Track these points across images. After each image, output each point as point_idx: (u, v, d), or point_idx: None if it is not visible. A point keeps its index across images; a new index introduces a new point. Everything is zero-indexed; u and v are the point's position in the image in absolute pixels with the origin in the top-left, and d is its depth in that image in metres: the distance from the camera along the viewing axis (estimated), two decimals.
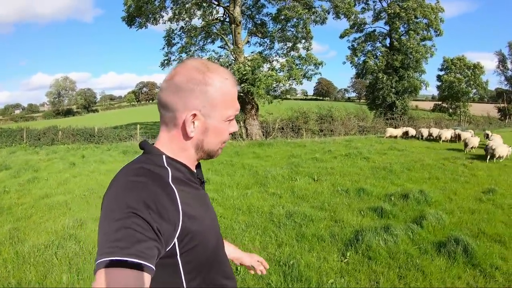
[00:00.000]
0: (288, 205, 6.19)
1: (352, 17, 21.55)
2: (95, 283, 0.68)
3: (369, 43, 30.50)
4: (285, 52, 21.68)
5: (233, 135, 18.68)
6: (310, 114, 21.39)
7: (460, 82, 36.52)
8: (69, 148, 16.25)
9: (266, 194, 7.00)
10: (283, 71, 19.48)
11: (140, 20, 20.46)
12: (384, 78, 27.45)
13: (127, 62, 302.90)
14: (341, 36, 30.02)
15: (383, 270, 3.78)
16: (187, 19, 20.75)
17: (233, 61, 19.62)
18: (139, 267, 0.70)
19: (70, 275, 3.56)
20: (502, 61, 45.61)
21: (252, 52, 22.18)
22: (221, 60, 19.45)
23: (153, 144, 0.97)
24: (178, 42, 21.89)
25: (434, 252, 4.19)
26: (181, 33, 21.69)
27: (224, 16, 21.16)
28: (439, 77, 39.05)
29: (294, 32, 21.07)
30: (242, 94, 18.31)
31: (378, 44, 30.35)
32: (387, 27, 29.23)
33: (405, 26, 27.80)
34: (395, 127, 23.58)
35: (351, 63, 30.04)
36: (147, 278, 0.71)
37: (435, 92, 42.16)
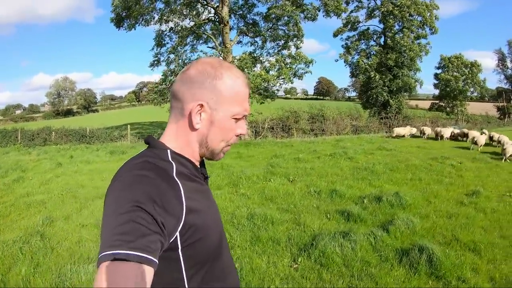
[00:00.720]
0: (254, 206, 5.87)
1: (343, 15, 21.17)
2: (98, 275, 0.66)
3: (363, 41, 30.03)
4: (276, 51, 21.54)
5: None
6: (301, 113, 20.98)
7: (457, 81, 36.04)
8: (60, 149, 16.28)
9: (236, 195, 6.77)
10: (272, 70, 19.12)
11: (128, 22, 20.28)
12: (377, 77, 26.90)
13: (128, 62, 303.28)
14: (335, 35, 29.62)
15: (333, 278, 3.45)
16: (176, 20, 20.64)
17: None
18: (143, 261, 0.68)
19: (27, 268, 3.73)
20: (502, 59, 45.11)
21: (244, 52, 21.95)
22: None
23: (159, 138, 0.96)
24: (168, 43, 21.77)
25: (395, 261, 3.80)
26: (171, 34, 21.57)
27: (215, 16, 20.93)
28: (436, 76, 38.54)
29: (286, 30, 20.93)
30: None
31: (372, 43, 29.95)
32: (382, 25, 28.78)
33: (400, 24, 27.29)
34: (390, 126, 23.23)
35: (345, 61, 29.51)
36: (150, 271, 0.70)
37: (437, 91, 41.42)
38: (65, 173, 9.53)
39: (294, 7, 18.43)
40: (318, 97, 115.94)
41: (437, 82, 38.57)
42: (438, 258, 3.66)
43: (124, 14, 19.66)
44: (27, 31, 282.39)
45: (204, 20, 21.39)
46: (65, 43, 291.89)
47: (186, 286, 0.87)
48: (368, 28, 29.91)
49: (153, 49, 21.88)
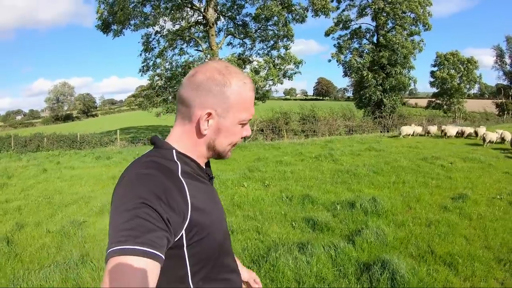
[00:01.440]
0: None
1: (333, 14, 20.78)
2: (106, 270, 0.67)
3: (355, 40, 29.43)
4: (266, 52, 21.22)
5: None
6: (291, 114, 20.45)
7: (453, 78, 35.47)
8: (49, 155, 16.18)
9: None
10: (261, 71, 18.69)
11: (115, 27, 20.00)
12: (370, 76, 26.28)
13: (128, 66, 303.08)
14: (326, 34, 29.02)
15: None
16: (163, 24, 20.53)
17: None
18: (150, 256, 0.69)
19: None
20: (500, 56, 44.51)
21: (231, 54, 21.63)
22: (194, 63, 18.71)
23: (165, 139, 0.97)
24: (155, 47, 21.38)
25: (354, 278, 3.32)
26: (159, 38, 21.28)
27: (203, 19, 20.47)
28: (432, 73, 37.96)
29: (275, 30, 20.59)
30: None
31: (365, 41, 29.33)
32: (374, 23, 28.21)
33: (393, 21, 26.71)
34: (384, 126, 22.72)
35: (337, 61, 28.90)
36: (157, 267, 0.71)
37: (434, 90, 40.85)
38: (47, 180, 9.38)
39: (280, 7, 17.98)
40: (318, 97, 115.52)
41: (433, 80, 37.93)
42: (402, 276, 3.15)
43: (110, 20, 19.42)
44: (27, 36, 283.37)
45: (191, 23, 21.14)
46: (65, 48, 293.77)
47: (190, 283, 0.87)
48: (360, 27, 29.31)
49: (141, 54, 21.62)
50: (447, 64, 36.26)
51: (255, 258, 3.75)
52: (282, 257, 3.55)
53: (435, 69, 37.92)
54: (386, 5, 26.06)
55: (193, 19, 21.03)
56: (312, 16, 19.70)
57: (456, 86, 35.69)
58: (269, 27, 20.84)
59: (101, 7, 18.75)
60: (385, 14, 26.55)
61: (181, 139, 0.95)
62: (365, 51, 27.93)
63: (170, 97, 19.75)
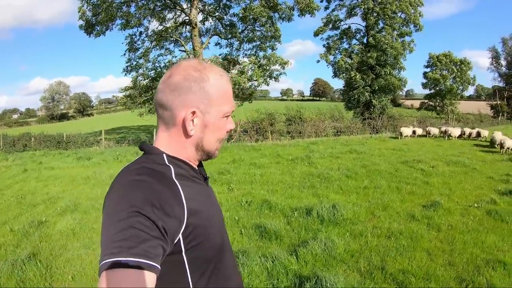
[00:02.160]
0: None
1: (323, 13, 20.37)
2: (100, 283, 0.66)
3: (345, 40, 28.85)
4: (253, 52, 20.86)
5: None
6: (277, 115, 19.92)
7: (445, 79, 35.05)
8: (34, 155, 16.00)
9: None
10: (243, 72, 18.26)
11: (98, 28, 19.59)
12: (357, 77, 25.70)
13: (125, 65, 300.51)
14: (315, 34, 28.50)
15: None
16: (146, 24, 20.25)
17: None
18: (145, 267, 0.67)
19: None
20: (496, 57, 44.13)
21: (216, 55, 21.36)
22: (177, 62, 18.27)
23: (152, 144, 0.95)
24: (140, 47, 20.99)
25: None
26: (143, 38, 20.94)
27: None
28: (425, 74, 37.54)
29: (263, 31, 20.29)
30: None
31: (355, 42, 28.72)
32: (364, 24, 27.66)
33: (384, 21, 26.21)
34: (373, 127, 22.25)
35: (326, 61, 28.35)
36: (152, 277, 0.69)
37: (426, 91, 40.48)
38: (25, 180, 9.26)
39: (262, 7, 17.61)
40: (314, 98, 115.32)
41: (426, 81, 37.51)
42: None
43: (94, 20, 19.03)
44: (24, 35, 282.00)
45: (177, 23, 20.79)
46: (62, 47, 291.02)
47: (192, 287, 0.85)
48: (349, 27, 28.69)
49: (124, 54, 21.17)
50: (439, 65, 35.84)
51: None
52: None
53: (427, 70, 37.54)
54: (376, 5, 25.55)
55: (181, 19, 20.66)
56: (298, 15, 19.40)
57: (449, 87, 35.26)
58: (256, 28, 20.57)
59: (84, 6, 18.34)
60: (375, 14, 26.02)
61: (169, 144, 0.91)
62: (354, 52, 27.35)
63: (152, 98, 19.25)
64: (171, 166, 0.87)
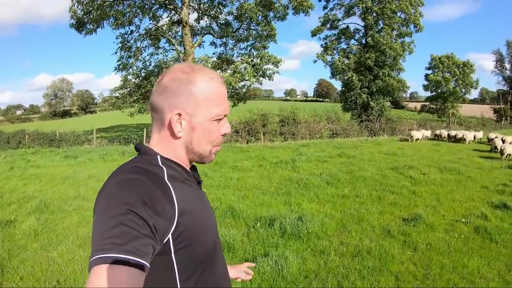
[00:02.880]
0: None
1: (317, 12, 19.93)
2: (89, 279, 0.66)
3: (343, 40, 28.08)
4: (247, 52, 20.43)
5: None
6: (270, 116, 19.31)
7: (448, 82, 34.29)
8: (25, 152, 15.78)
9: None
10: (236, 72, 17.82)
11: (89, 26, 19.33)
12: (354, 78, 24.96)
13: None
14: (313, 34, 27.78)
15: None
16: (138, 23, 19.84)
17: (178, 63, 18.11)
18: (134, 265, 0.67)
19: None
20: (500, 60, 43.15)
21: (214, 54, 21.43)
22: (168, 62, 17.96)
23: (146, 145, 0.96)
24: (132, 46, 20.58)
25: None
26: (134, 37, 20.54)
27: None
28: (426, 77, 36.77)
29: (259, 30, 19.89)
30: None
31: (353, 42, 27.92)
32: (363, 23, 26.78)
33: (383, 21, 25.47)
34: (371, 130, 21.65)
35: (323, 62, 27.51)
36: (142, 275, 0.69)
37: (428, 93, 39.69)
38: (8, 178, 9.08)
39: (255, 6, 17.26)
40: (318, 99, 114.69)
41: (427, 83, 36.74)
42: None
43: (86, 19, 18.81)
44: (30, 31, 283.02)
45: (168, 22, 20.53)
46: (67, 44, 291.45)
47: None
48: (347, 27, 27.89)
49: (116, 52, 20.74)
50: (441, 67, 35.06)
51: None
52: None
53: (429, 72, 36.75)
54: (375, 5, 24.80)
55: (176, 18, 20.31)
56: (293, 14, 18.92)
57: (451, 89, 34.50)
58: (252, 27, 20.17)
59: (74, 6, 18.17)
60: (374, 14, 25.27)
61: (160, 145, 0.92)
62: (352, 52, 26.63)
63: (142, 97, 18.92)
64: (164, 168, 0.87)
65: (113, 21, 18.86)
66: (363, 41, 26.68)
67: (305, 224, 4.41)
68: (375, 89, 24.73)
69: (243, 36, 20.36)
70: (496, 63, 43.22)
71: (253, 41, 20.18)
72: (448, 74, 35.15)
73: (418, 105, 63.38)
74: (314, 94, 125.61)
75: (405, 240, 4.32)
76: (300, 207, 5.55)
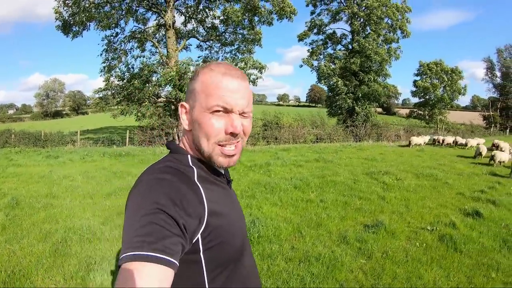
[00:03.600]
0: None
1: (307, 18, 19.92)
2: (119, 276, 0.67)
3: (330, 45, 28.00)
4: (232, 56, 20.44)
5: (164, 140, 17.22)
6: (253, 120, 19.05)
7: (435, 88, 34.40)
8: (10, 152, 15.54)
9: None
10: None
11: (75, 28, 19.34)
12: (339, 83, 24.81)
13: None
14: (299, 39, 27.70)
15: None
16: (123, 25, 19.86)
17: (163, 66, 18.15)
18: (164, 263, 0.68)
19: None
20: (490, 68, 43.53)
21: (199, 57, 21.12)
22: (150, 64, 17.83)
23: (178, 144, 0.98)
24: (117, 48, 20.46)
25: None
26: (119, 39, 20.48)
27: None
28: (415, 83, 36.86)
29: (245, 34, 19.90)
30: (173, 100, 17.06)
31: (340, 47, 27.87)
32: (350, 29, 26.74)
33: (370, 27, 25.40)
34: (356, 135, 21.49)
35: (310, 67, 27.40)
36: (171, 273, 0.70)
37: (416, 99, 39.86)
38: None
39: (238, 9, 17.26)
40: (311, 104, 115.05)
41: (415, 89, 36.82)
42: None
43: (72, 21, 18.69)
44: (26, 30, 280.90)
45: (155, 25, 20.55)
46: (62, 44, 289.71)
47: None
48: (334, 32, 27.91)
49: (101, 54, 20.53)
50: (429, 74, 35.17)
51: None
52: None
53: (417, 78, 36.88)
54: (361, 10, 24.78)
55: (163, 21, 20.21)
56: (277, 19, 18.84)
57: (439, 96, 34.60)
58: (238, 30, 20.16)
59: (60, 7, 18.10)
60: (360, 20, 25.23)
61: (183, 140, 0.96)
62: (337, 57, 26.50)
63: (126, 99, 18.66)
64: (194, 168, 0.87)
65: (97, 23, 18.76)
66: (350, 47, 26.56)
67: (257, 228, 4.19)
68: (360, 94, 24.53)
69: (228, 40, 20.33)
70: (487, 70, 43.61)
71: (238, 45, 20.20)
72: (437, 81, 35.27)
73: (408, 111, 63.82)
74: (306, 99, 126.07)
75: (361, 247, 4.04)
76: (260, 210, 5.31)
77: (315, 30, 27.51)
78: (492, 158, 11.31)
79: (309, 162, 10.43)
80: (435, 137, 19.28)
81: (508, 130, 39.40)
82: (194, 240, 0.79)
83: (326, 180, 7.52)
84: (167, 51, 18.31)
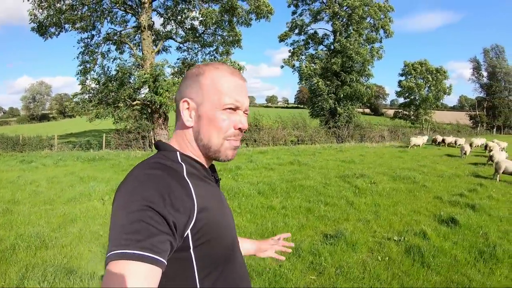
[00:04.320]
0: None
1: (289, 18, 19.63)
2: (106, 274, 0.66)
3: (311, 45, 27.54)
4: (211, 57, 19.99)
5: (141, 144, 16.80)
6: None
7: (420, 88, 34.40)
8: None
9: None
10: None
11: (52, 29, 18.72)
12: (320, 83, 24.36)
13: None
14: (280, 39, 27.20)
15: None
16: (99, 27, 19.24)
17: (137, 68, 17.72)
18: (151, 261, 0.67)
19: None
20: (477, 68, 43.78)
21: (178, 59, 20.62)
22: (126, 66, 17.37)
23: (167, 142, 0.97)
24: (93, 51, 19.86)
25: None
26: (95, 41, 19.87)
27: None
28: (400, 83, 36.83)
29: (225, 36, 19.49)
30: (148, 103, 16.56)
31: (321, 47, 27.41)
32: (331, 29, 26.25)
33: (352, 27, 25.08)
34: (339, 136, 21.14)
35: (291, 67, 26.97)
36: (158, 272, 0.68)
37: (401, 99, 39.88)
38: None
39: (212, 9, 17.00)
40: (299, 105, 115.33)
41: (400, 89, 36.78)
42: None
43: (47, 23, 18.12)
44: (13, 32, 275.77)
45: (134, 27, 19.88)
46: (50, 46, 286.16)
47: (198, 287, 0.83)
48: (315, 32, 27.39)
49: (77, 57, 19.88)
50: (414, 74, 35.16)
51: None
52: None
53: (402, 78, 36.83)
54: (342, 10, 24.44)
55: (143, 23, 19.79)
56: (255, 19, 18.44)
57: (424, 96, 34.58)
58: (218, 32, 19.77)
59: (35, 9, 17.49)
60: (341, 19, 24.89)
61: (178, 141, 0.92)
62: (318, 57, 26.05)
63: (100, 102, 18.19)
64: (183, 165, 0.85)
65: (71, 25, 18.30)
66: (332, 47, 26.20)
67: None
68: (342, 95, 24.12)
69: (207, 41, 19.97)
70: (473, 70, 43.84)
71: (215, 46, 19.96)
72: (421, 81, 35.26)
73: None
74: (295, 101, 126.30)
75: (313, 261, 3.57)
76: None
77: (296, 31, 27.04)
78: (490, 158, 10.99)
79: (282, 165, 9.96)
80: (435, 137, 19.46)
81: (495, 130, 39.61)
82: (184, 236, 0.76)
83: (295, 185, 7.05)
84: (142, 53, 17.84)
